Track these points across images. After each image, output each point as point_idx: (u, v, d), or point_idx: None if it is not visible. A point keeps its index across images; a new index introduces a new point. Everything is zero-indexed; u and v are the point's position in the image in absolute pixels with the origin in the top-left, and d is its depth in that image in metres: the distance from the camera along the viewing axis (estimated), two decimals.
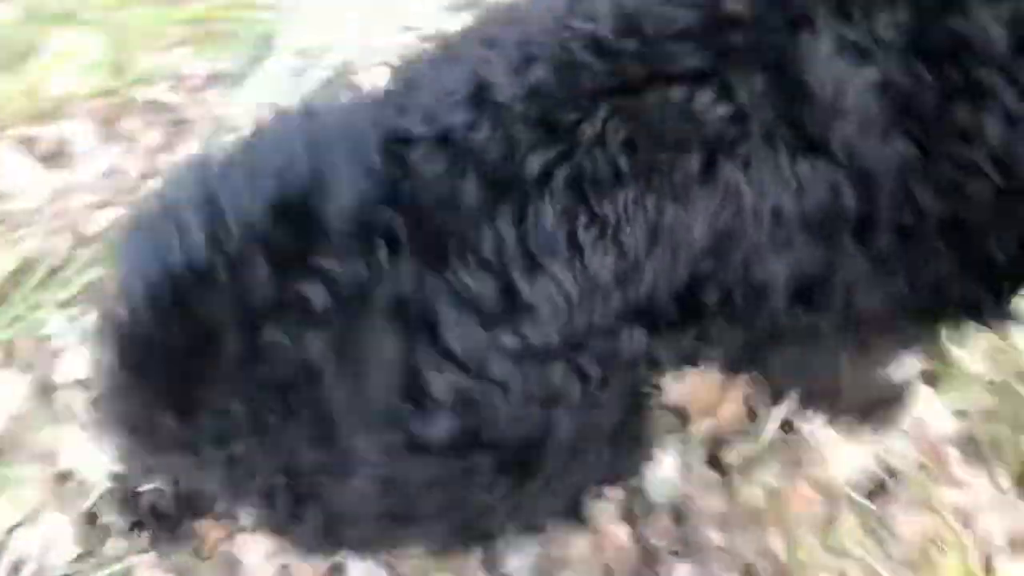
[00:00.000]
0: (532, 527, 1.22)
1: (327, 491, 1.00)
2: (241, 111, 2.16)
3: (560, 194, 0.91)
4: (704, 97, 0.91)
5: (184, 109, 2.25)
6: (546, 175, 0.91)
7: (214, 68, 2.30)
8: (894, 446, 1.68)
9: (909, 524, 1.66)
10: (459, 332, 0.91)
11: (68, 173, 2.14)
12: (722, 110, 0.91)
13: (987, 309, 1.15)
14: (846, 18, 0.91)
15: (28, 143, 2.18)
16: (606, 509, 1.67)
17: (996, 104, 0.90)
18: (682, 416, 1.72)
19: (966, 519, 1.63)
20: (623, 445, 1.19)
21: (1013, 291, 1.14)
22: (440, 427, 0.94)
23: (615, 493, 1.66)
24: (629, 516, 1.68)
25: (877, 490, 1.67)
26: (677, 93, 0.90)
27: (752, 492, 1.65)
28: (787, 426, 1.70)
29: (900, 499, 1.67)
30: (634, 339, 0.98)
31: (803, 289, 1.02)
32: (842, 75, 0.90)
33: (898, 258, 1.02)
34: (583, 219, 0.91)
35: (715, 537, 1.61)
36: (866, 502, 1.66)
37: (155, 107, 2.25)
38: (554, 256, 0.92)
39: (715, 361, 1.28)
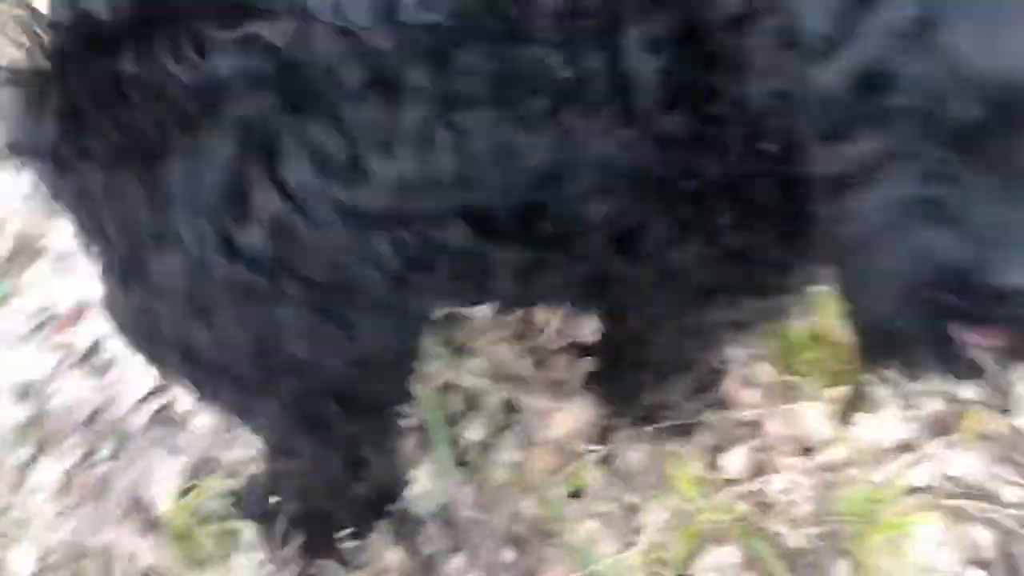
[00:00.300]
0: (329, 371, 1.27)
1: (149, 261, 1.07)
2: None
3: (425, 99, 1.05)
4: (557, 59, 1.07)
5: None
6: (422, 88, 1.04)
7: None
8: None
9: (641, 454, 1.86)
10: (294, 168, 1.03)
11: None
12: (568, 72, 1.08)
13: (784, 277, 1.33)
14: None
15: None
16: (378, 539, 1.76)
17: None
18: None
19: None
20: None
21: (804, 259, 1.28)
22: (253, 238, 1.04)
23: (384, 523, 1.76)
24: (401, 537, 1.77)
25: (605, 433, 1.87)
26: (538, 52, 1.07)
27: (497, 472, 1.79)
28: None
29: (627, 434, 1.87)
30: (461, 235, 1.12)
31: (621, 236, 1.19)
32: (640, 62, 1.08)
33: (696, 220, 1.18)
34: (441, 123, 1.05)
35: (477, 520, 1.73)
36: (599, 447, 1.84)
37: None
38: (404, 144, 1.05)
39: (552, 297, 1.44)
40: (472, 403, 1.88)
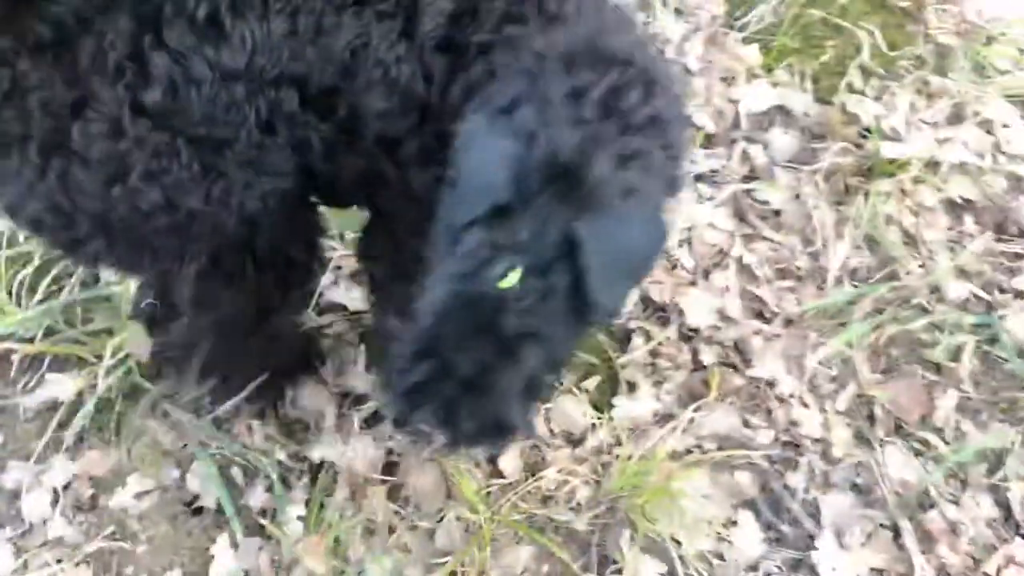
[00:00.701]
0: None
1: (71, 132, 1.30)
2: None
3: None
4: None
5: None
6: None
7: None
8: None
9: (425, 478, 1.98)
10: (176, 33, 1.27)
11: None
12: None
13: None
14: None
15: None
16: None
17: None
18: None
19: None
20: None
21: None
22: (155, 95, 1.29)
23: None
24: None
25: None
26: None
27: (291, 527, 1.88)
28: None
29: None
30: (290, 99, 1.36)
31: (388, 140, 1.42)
32: None
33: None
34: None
35: None
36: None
37: None
38: (252, 10, 1.30)
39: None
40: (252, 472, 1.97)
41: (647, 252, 1.21)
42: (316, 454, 1.99)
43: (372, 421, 2.04)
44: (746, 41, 2.59)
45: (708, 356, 2.18)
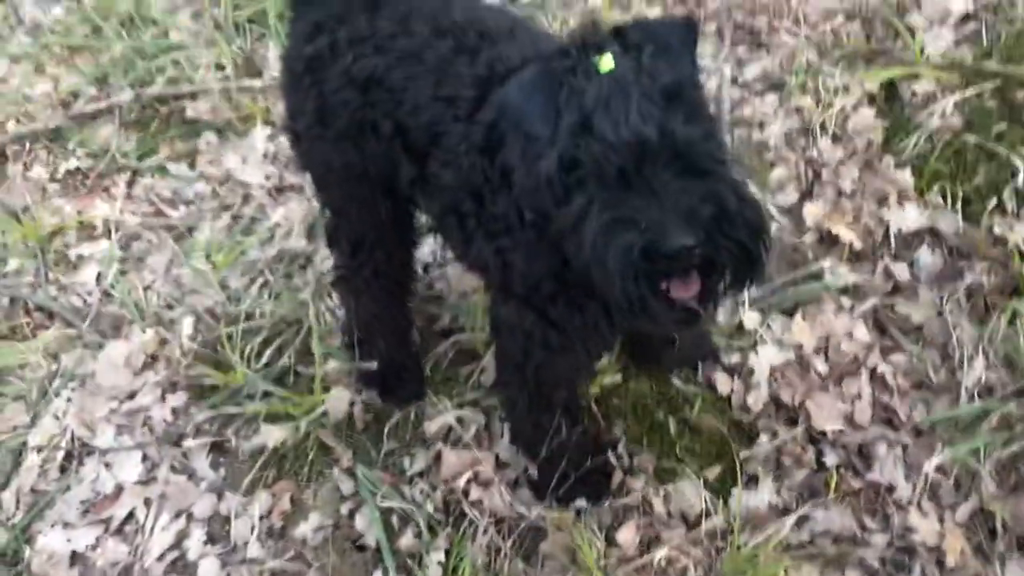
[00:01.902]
0: None
1: None
2: None
3: None
4: None
5: None
6: None
7: None
8: None
9: (547, 543, 2.24)
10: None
11: None
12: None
13: None
14: None
15: None
16: None
17: None
18: None
19: None
20: None
21: None
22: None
23: None
24: None
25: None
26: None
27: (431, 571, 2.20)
28: None
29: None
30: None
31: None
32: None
33: None
34: None
35: None
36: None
37: None
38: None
39: None
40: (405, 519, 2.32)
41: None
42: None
43: (513, 486, 2.34)
44: (899, 165, 2.72)
45: (831, 458, 2.29)
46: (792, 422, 2.37)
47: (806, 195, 2.80)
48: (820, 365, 2.45)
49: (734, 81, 3.15)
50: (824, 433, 2.33)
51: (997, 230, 2.51)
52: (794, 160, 2.87)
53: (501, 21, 1.98)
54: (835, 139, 2.85)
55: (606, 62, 1.51)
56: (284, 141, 3.26)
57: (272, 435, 2.52)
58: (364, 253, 2.29)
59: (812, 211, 2.71)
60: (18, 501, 2.57)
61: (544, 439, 2.19)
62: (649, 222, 1.47)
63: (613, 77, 1.51)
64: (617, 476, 2.31)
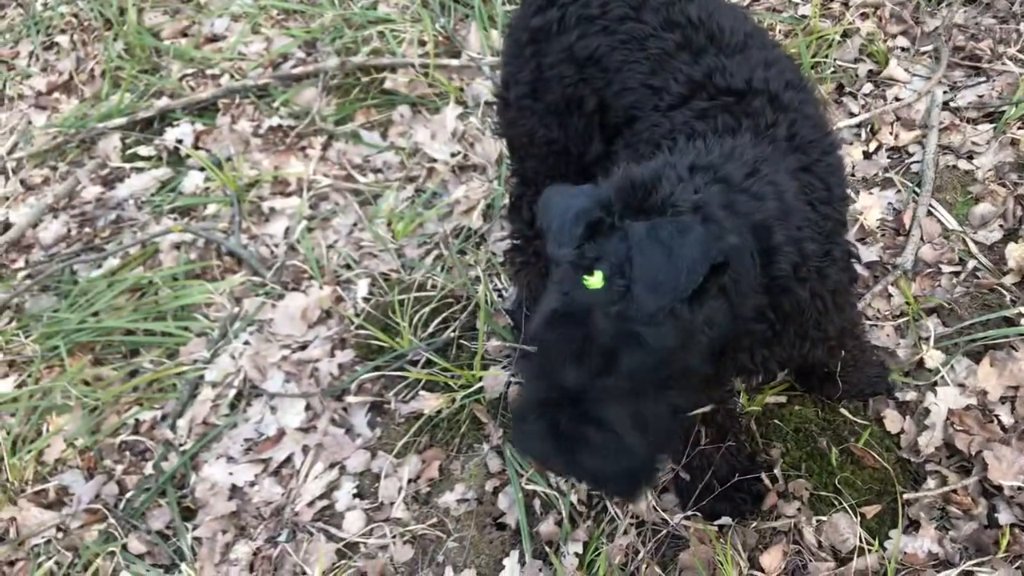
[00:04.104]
0: None
1: None
2: None
3: None
4: None
5: None
6: None
7: None
8: None
9: (687, 555, 2.19)
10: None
11: None
12: None
13: None
14: None
15: None
16: None
17: None
18: None
19: None
20: None
21: None
22: None
23: None
24: None
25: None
26: None
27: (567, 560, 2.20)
28: None
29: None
30: None
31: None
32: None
33: None
34: None
35: None
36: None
37: None
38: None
39: None
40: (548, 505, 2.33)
41: (688, 261, 1.36)
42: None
43: (661, 491, 2.31)
44: None
45: (1005, 515, 2.14)
46: (965, 471, 2.23)
47: (1011, 234, 2.62)
48: (1005, 416, 2.29)
49: (945, 105, 2.98)
50: (1000, 488, 2.18)
51: None
52: (1003, 196, 2.69)
53: (736, 27, 1.93)
54: None
55: (595, 280, 1.42)
56: (474, 121, 3.33)
57: (429, 403, 2.58)
58: None
59: (1016, 251, 2.54)
60: (190, 430, 2.75)
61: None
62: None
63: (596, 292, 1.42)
64: (769, 498, 2.24)
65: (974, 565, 2.08)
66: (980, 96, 2.98)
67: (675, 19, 1.91)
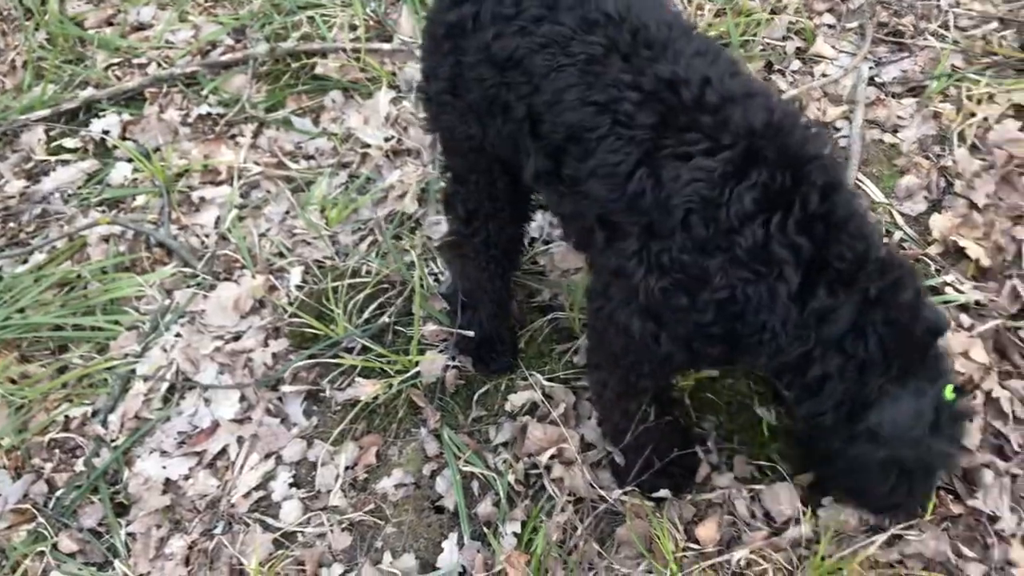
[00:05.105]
0: None
1: None
2: None
3: None
4: None
5: None
6: None
7: None
8: None
9: (624, 529, 2.20)
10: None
11: None
12: None
13: None
14: None
15: None
16: None
17: None
18: None
19: None
20: None
21: None
22: None
23: None
24: None
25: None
26: None
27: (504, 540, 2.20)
28: None
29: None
30: None
31: None
32: None
33: None
34: None
35: None
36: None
37: None
38: None
39: None
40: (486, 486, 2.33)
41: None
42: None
43: (595, 468, 2.32)
44: None
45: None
46: None
47: (935, 205, 2.67)
48: None
49: (871, 81, 3.02)
50: None
51: None
52: (927, 168, 2.73)
53: (658, 18, 1.85)
54: (974, 149, 2.71)
55: None
56: (407, 105, 3.30)
57: (365, 389, 2.56)
58: (478, 222, 2.29)
59: (940, 222, 2.59)
60: (122, 425, 2.69)
61: (630, 426, 2.15)
62: None
63: None
64: (703, 471, 2.26)
65: (903, 529, 2.13)
66: (904, 71, 3.03)
67: (591, 17, 1.84)
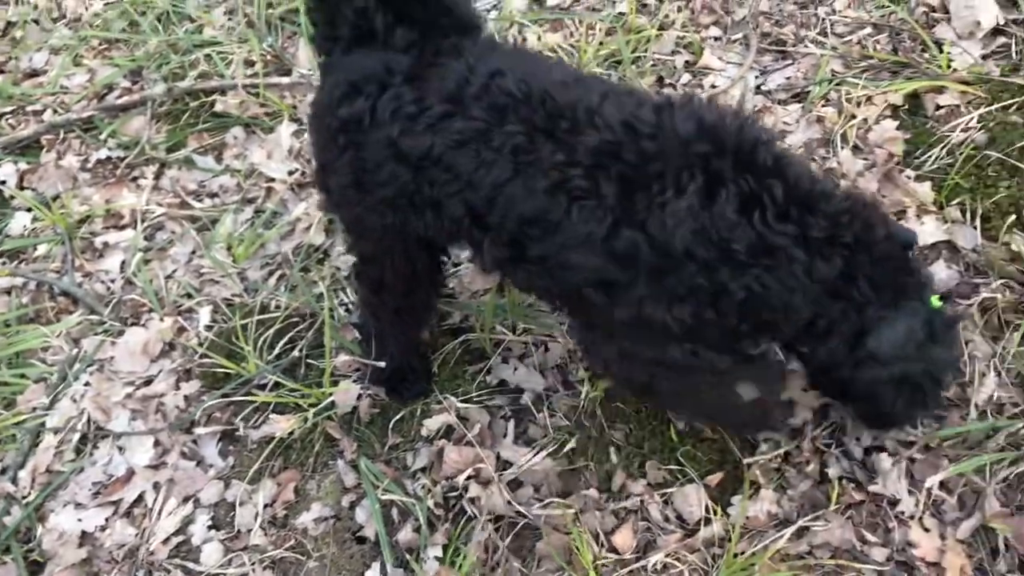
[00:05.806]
0: None
1: None
2: None
3: None
4: None
5: None
6: None
7: None
8: None
9: (542, 544, 2.24)
10: None
11: None
12: None
13: None
14: None
15: None
16: None
17: None
18: None
19: None
20: None
21: None
22: None
23: None
24: None
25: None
26: None
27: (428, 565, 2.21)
28: None
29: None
30: None
31: None
32: None
33: None
34: None
35: None
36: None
37: None
38: None
39: None
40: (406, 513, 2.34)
41: None
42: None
43: (513, 485, 2.35)
44: (920, 179, 2.69)
45: (835, 470, 2.27)
46: (798, 433, 2.35)
47: None
48: None
49: (758, 89, 3.13)
50: (829, 445, 2.31)
51: (1015, 247, 2.47)
52: (814, 169, 2.84)
53: (551, 79, 1.87)
54: (856, 150, 2.83)
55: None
56: (308, 138, 3.31)
57: (280, 425, 2.56)
58: (387, 294, 2.29)
59: None
60: (33, 480, 2.64)
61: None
62: None
63: None
64: (618, 479, 2.31)
65: (810, 520, 2.21)
66: (788, 78, 3.14)
67: (500, 103, 1.83)
